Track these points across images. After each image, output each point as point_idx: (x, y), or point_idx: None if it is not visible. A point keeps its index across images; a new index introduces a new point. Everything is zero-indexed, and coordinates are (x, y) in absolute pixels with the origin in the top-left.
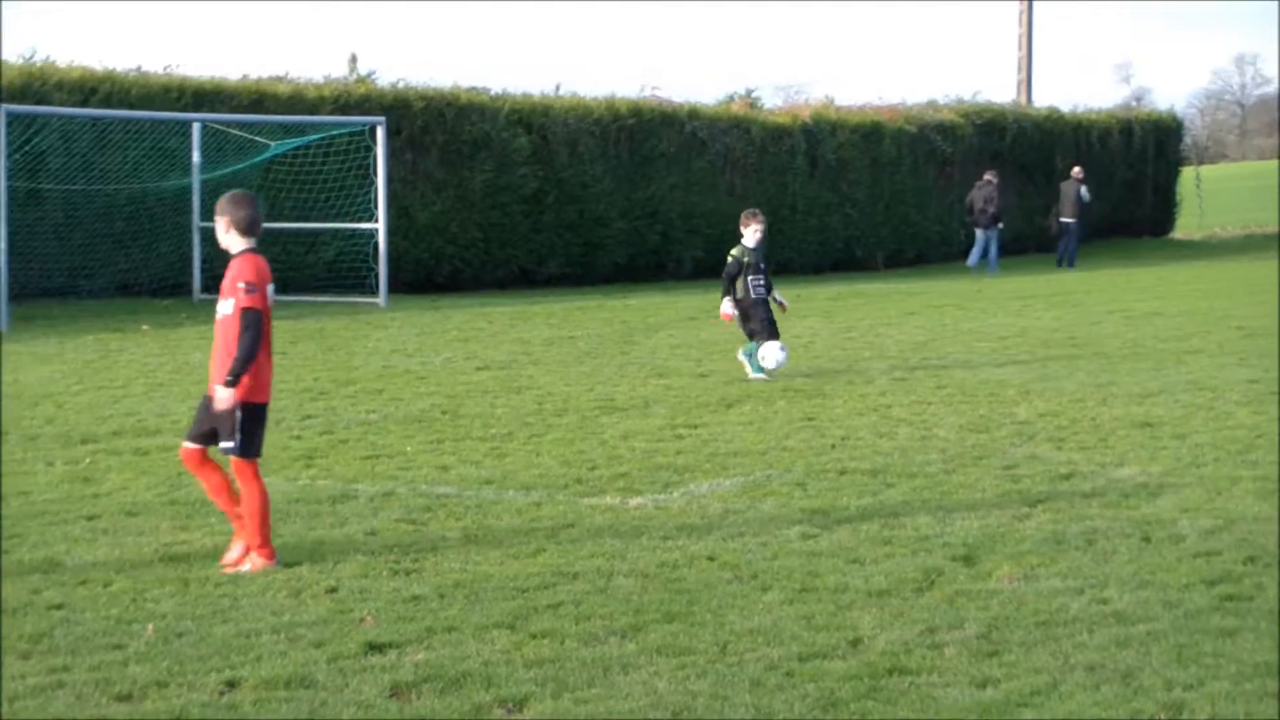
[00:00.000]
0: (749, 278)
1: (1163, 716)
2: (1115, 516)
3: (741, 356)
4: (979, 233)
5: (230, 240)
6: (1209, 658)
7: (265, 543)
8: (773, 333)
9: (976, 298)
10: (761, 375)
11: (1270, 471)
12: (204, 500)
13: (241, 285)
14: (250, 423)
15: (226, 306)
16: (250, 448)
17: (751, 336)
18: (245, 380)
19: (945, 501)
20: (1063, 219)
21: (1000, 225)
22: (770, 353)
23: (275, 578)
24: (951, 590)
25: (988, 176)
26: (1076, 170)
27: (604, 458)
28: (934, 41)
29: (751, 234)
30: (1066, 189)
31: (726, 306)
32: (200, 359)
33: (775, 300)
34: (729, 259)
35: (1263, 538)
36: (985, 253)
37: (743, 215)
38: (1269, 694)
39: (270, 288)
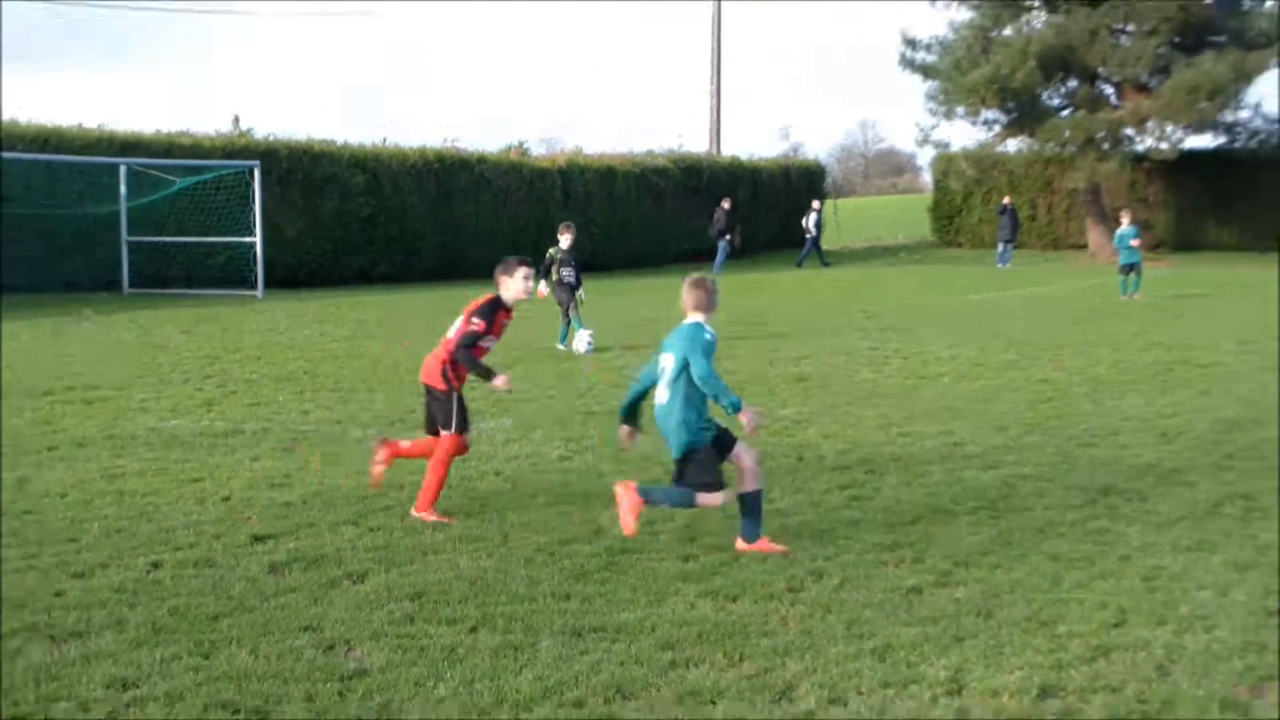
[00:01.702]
0: (560, 269)
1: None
2: (779, 443)
3: (581, 342)
4: (719, 244)
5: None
6: (841, 539)
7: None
8: (565, 312)
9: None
10: (585, 347)
11: (894, 408)
12: (135, 435)
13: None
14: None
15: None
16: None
17: (563, 308)
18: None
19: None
20: (809, 234)
21: (728, 238)
22: (580, 341)
23: (185, 491)
24: None
25: (723, 204)
26: (815, 204)
27: (419, 405)
28: (651, 103)
29: (565, 240)
30: (809, 216)
31: (542, 287)
32: (125, 336)
33: (578, 296)
34: (547, 255)
35: (878, 454)
36: (724, 258)
37: (560, 226)
38: (880, 564)
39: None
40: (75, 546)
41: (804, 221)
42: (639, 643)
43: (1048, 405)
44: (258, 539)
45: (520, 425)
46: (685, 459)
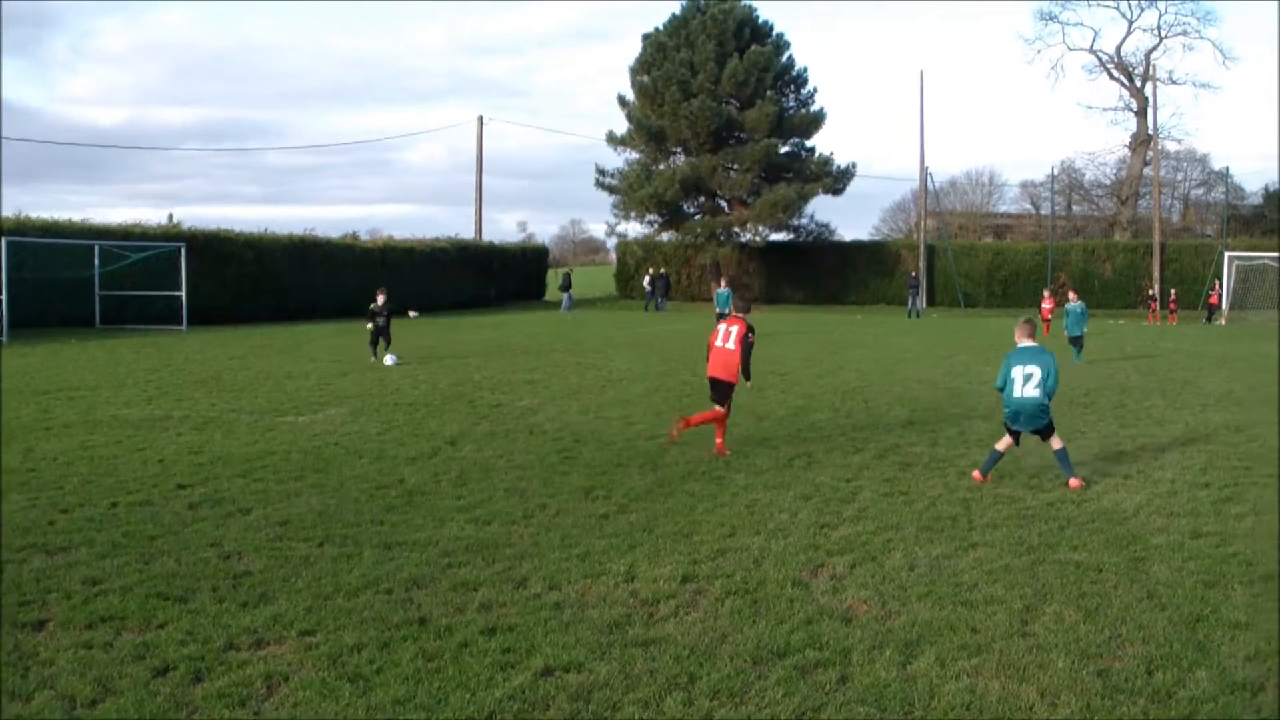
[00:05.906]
0: (378, 317)
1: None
2: (518, 422)
3: (389, 360)
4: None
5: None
6: (557, 484)
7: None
8: (387, 342)
9: (474, 327)
10: (391, 362)
11: (591, 401)
12: (101, 419)
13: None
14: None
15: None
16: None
17: (379, 339)
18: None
19: (439, 415)
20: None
21: (569, 292)
22: (388, 358)
23: (134, 456)
24: (442, 457)
25: (568, 272)
26: (652, 269)
27: (299, 399)
28: (437, 207)
29: (381, 296)
30: (645, 277)
31: (370, 326)
32: (96, 355)
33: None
34: (371, 306)
35: (581, 430)
36: (569, 304)
37: (376, 290)
38: (582, 499)
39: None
40: (62, 491)
41: (640, 280)
42: (428, 552)
43: (689, 399)
44: (181, 486)
45: (351, 412)
46: (1049, 427)
